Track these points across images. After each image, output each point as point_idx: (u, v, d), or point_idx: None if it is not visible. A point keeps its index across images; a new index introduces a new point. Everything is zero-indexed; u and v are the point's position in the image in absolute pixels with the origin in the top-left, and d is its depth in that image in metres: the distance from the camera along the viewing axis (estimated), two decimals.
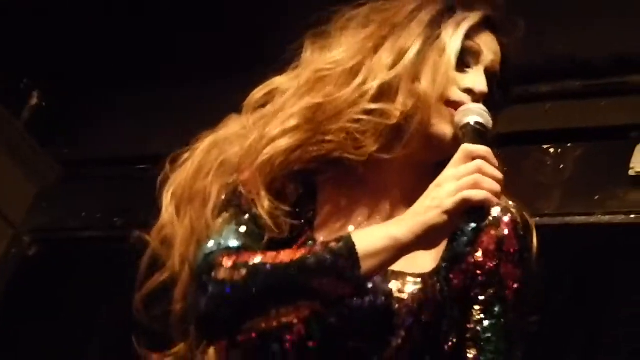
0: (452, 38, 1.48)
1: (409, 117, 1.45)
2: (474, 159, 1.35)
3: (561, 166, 3.25)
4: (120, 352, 3.69)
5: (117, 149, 3.90)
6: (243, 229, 1.48)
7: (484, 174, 1.34)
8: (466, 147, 1.37)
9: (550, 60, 3.45)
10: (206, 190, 1.57)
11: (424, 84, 1.46)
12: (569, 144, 3.09)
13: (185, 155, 1.62)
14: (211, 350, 1.60)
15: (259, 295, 1.40)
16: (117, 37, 3.86)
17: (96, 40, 3.87)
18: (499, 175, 1.36)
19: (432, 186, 1.38)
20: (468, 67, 1.48)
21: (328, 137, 1.50)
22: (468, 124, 1.41)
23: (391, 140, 1.49)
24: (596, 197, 3.00)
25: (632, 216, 2.92)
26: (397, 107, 1.46)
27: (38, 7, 3.83)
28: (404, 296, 1.48)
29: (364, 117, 1.50)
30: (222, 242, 1.46)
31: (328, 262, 1.36)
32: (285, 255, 1.39)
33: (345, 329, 1.48)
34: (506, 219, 1.50)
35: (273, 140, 1.50)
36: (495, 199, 1.35)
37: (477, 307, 1.48)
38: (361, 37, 1.55)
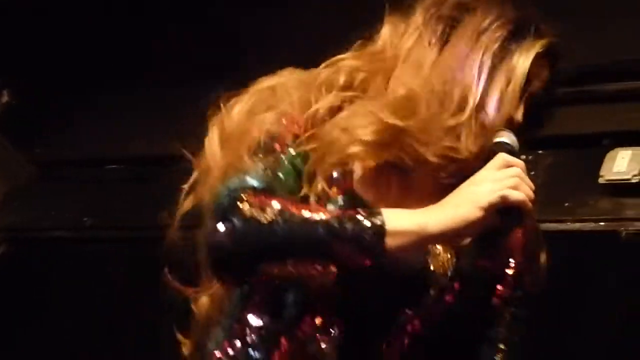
0: (522, 66, 1.52)
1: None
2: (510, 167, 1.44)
3: (533, 173, 3.19)
4: (92, 351, 3.62)
5: (90, 149, 3.92)
6: (274, 173, 1.50)
7: (522, 180, 1.41)
8: (504, 156, 1.43)
9: None
10: (253, 130, 1.57)
11: (491, 115, 1.51)
12: (540, 152, 3.11)
13: (240, 96, 1.63)
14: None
15: (282, 242, 1.42)
16: (92, 36, 3.88)
17: (70, 39, 3.89)
18: (533, 186, 1.42)
19: (465, 185, 1.43)
20: None
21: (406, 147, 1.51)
22: (502, 142, 1.46)
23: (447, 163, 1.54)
24: (567, 205, 3.02)
25: (602, 224, 2.94)
26: (467, 146, 1.49)
27: (9, 5, 3.82)
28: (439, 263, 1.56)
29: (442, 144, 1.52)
30: (249, 179, 1.48)
31: (355, 230, 1.39)
32: (315, 210, 1.42)
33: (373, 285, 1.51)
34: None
35: (363, 140, 1.51)
36: (530, 204, 1.40)
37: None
38: (447, 55, 1.56)
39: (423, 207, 1.47)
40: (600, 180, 2.85)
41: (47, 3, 3.88)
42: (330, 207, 1.51)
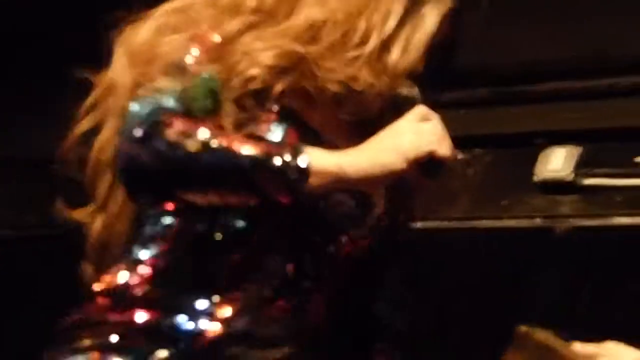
0: (431, 17, 1.53)
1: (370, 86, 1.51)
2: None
3: (470, 172, 3.33)
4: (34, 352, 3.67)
5: (28, 149, 3.76)
6: (190, 94, 1.47)
7: (444, 134, 1.44)
8: (424, 109, 1.45)
9: (459, 68, 3.45)
10: (163, 51, 1.55)
11: (394, 57, 1.52)
12: (477, 150, 3.16)
13: (145, 16, 1.59)
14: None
15: (207, 171, 1.42)
16: (26, 34, 3.72)
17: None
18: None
19: (387, 134, 1.44)
20: None
21: (310, 74, 1.51)
22: (410, 95, 1.50)
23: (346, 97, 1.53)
24: (503, 203, 3.06)
25: (537, 220, 2.99)
26: (367, 78, 1.50)
27: None
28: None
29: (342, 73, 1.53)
30: (165, 101, 1.46)
31: (279, 167, 1.39)
32: (243, 142, 1.41)
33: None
34: None
35: (262, 64, 1.50)
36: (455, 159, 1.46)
37: None
38: None
39: (335, 147, 1.48)
40: (535, 179, 2.89)
41: None
42: (270, 134, 1.51)
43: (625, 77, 3.08)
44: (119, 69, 1.58)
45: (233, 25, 1.53)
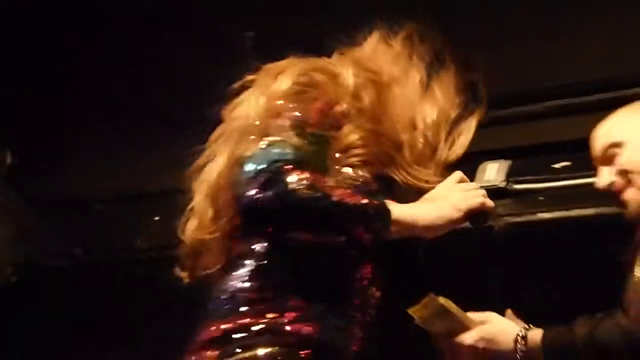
0: (470, 128, 1.88)
1: None
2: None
3: None
4: None
5: (78, 191, 4.31)
6: (309, 150, 1.67)
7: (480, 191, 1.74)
8: (459, 173, 1.77)
9: None
10: (292, 106, 1.73)
11: (449, 157, 1.87)
12: None
13: (285, 66, 1.80)
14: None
15: (315, 214, 1.64)
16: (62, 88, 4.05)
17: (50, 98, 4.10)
18: None
19: (438, 193, 1.73)
20: None
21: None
22: None
23: None
24: None
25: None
26: (435, 178, 1.81)
27: None
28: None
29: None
30: (289, 152, 1.64)
31: (373, 218, 1.64)
32: (345, 195, 1.63)
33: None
34: None
35: (364, 152, 1.75)
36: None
37: None
38: (430, 102, 1.85)
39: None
40: None
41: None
42: (358, 190, 1.71)
43: (541, 103, 3.49)
44: (252, 111, 1.78)
45: (343, 108, 1.75)
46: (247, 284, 1.70)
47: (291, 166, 1.62)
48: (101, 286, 4.25)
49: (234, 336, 1.65)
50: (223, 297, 1.71)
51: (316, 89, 1.77)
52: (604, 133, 2.27)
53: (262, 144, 1.68)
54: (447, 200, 1.73)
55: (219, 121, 1.88)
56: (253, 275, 1.70)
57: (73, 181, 4.38)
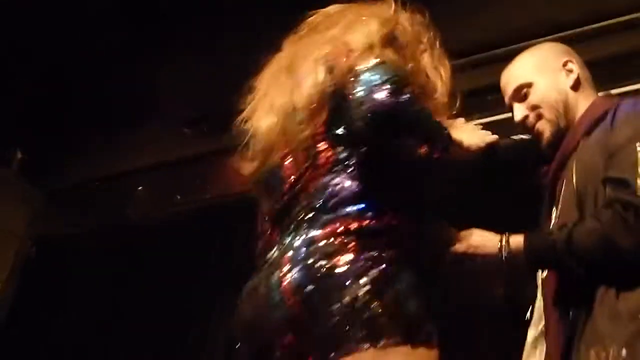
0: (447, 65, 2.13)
1: None
2: None
3: None
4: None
5: (76, 177, 4.89)
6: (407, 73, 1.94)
7: None
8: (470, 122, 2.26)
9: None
10: None
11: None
12: None
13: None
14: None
15: (418, 124, 1.90)
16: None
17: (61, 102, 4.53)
18: None
19: (465, 129, 2.17)
20: None
21: None
22: None
23: None
24: None
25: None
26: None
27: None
28: None
29: None
30: (401, 72, 1.90)
31: (444, 135, 1.97)
32: (431, 113, 1.94)
33: None
34: None
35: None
36: None
37: None
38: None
39: None
40: None
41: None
42: None
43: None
44: (367, 36, 2.00)
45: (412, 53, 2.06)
46: (353, 185, 1.88)
47: (403, 81, 1.85)
48: (106, 252, 4.65)
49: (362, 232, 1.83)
50: (326, 197, 1.87)
51: (399, 34, 2.05)
52: (514, 76, 2.44)
53: (375, 60, 1.90)
54: (475, 132, 2.19)
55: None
56: (361, 179, 1.88)
57: (72, 170, 4.91)
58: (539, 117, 2.35)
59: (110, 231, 4.68)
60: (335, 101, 1.93)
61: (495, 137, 2.22)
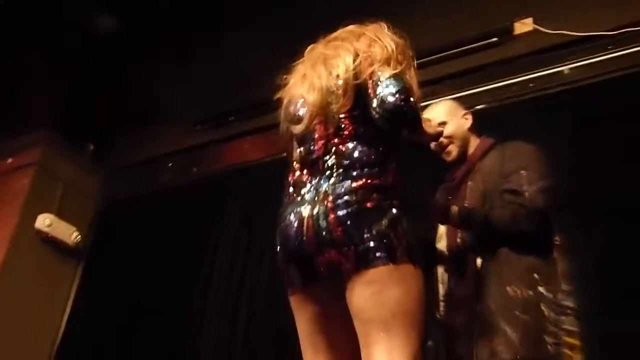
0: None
1: None
2: None
3: None
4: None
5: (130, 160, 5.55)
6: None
7: None
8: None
9: None
10: None
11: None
12: None
13: None
14: None
15: (416, 123, 2.29)
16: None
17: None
18: None
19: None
20: None
21: None
22: None
23: None
24: None
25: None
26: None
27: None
28: None
29: None
30: (408, 83, 2.25)
31: (420, 123, 2.28)
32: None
33: None
34: None
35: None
36: None
37: None
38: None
39: None
40: None
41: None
42: None
43: None
44: (384, 51, 2.27)
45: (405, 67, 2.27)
46: (371, 153, 2.22)
47: (410, 91, 2.14)
48: (150, 211, 5.24)
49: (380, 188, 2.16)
50: (353, 161, 2.22)
51: (402, 50, 2.27)
52: (437, 114, 3.08)
53: (392, 72, 2.18)
54: (429, 124, 2.47)
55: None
56: (374, 150, 2.24)
57: (125, 154, 5.64)
58: (451, 143, 3.10)
59: (152, 195, 5.37)
60: (358, 92, 2.29)
61: (440, 129, 2.72)
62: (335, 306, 2.25)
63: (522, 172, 2.85)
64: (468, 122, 3.17)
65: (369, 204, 2.17)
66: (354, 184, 2.19)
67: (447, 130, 3.08)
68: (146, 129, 5.49)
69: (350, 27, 2.42)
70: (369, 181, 2.20)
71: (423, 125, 2.35)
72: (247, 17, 5.06)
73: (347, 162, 2.24)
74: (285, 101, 2.44)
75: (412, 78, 2.28)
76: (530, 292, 2.74)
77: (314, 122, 2.32)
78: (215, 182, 5.08)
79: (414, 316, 2.17)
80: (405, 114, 2.16)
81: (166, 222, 5.06)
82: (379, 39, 2.33)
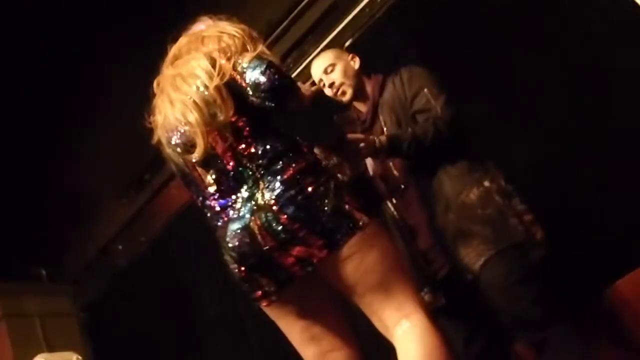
0: None
1: None
2: None
3: None
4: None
5: None
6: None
7: None
8: None
9: None
10: None
11: None
12: None
13: None
14: None
15: (293, 89, 2.35)
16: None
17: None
18: None
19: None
20: None
21: None
22: None
23: None
24: None
25: None
26: None
27: None
28: None
29: None
30: (272, 60, 2.30)
31: (298, 89, 2.35)
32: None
33: None
34: None
35: None
36: None
37: None
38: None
39: None
40: None
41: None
42: None
43: None
44: (233, 42, 2.33)
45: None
46: (278, 144, 2.26)
47: (275, 64, 2.21)
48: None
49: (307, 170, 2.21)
50: (271, 150, 2.24)
51: (249, 33, 2.34)
52: (323, 61, 3.23)
53: (251, 55, 2.23)
54: (305, 87, 2.61)
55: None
56: (279, 136, 2.28)
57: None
58: (341, 85, 3.22)
59: (123, 279, 5.50)
60: (234, 90, 2.26)
61: (316, 87, 2.89)
62: (313, 293, 2.31)
63: (424, 90, 3.04)
64: (356, 63, 3.30)
65: (309, 189, 2.19)
66: (285, 176, 2.20)
67: (337, 72, 3.21)
68: (80, 226, 5.54)
69: (184, 40, 2.39)
70: (295, 166, 2.21)
71: (302, 91, 2.42)
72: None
73: (265, 160, 2.23)
74: (164, 140, 2.35)
75: (271, 54, 2.31)
76: (480, 189, 2.93)
77: (209, 140, 2.26)
78: (169, 237, 5.22)
79: (398, 263, 2.26)
80: (282, 86, 2.18)
81: (153, 294, 5.19)
82: (223, 31, 2.33)
